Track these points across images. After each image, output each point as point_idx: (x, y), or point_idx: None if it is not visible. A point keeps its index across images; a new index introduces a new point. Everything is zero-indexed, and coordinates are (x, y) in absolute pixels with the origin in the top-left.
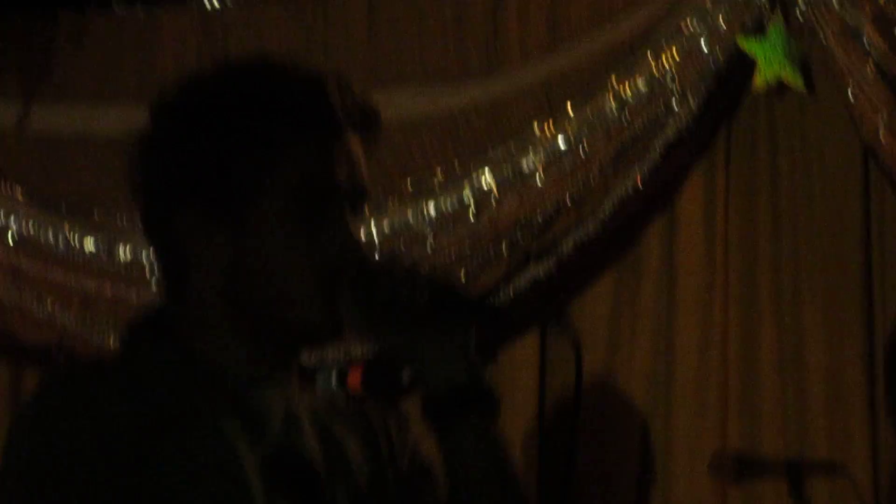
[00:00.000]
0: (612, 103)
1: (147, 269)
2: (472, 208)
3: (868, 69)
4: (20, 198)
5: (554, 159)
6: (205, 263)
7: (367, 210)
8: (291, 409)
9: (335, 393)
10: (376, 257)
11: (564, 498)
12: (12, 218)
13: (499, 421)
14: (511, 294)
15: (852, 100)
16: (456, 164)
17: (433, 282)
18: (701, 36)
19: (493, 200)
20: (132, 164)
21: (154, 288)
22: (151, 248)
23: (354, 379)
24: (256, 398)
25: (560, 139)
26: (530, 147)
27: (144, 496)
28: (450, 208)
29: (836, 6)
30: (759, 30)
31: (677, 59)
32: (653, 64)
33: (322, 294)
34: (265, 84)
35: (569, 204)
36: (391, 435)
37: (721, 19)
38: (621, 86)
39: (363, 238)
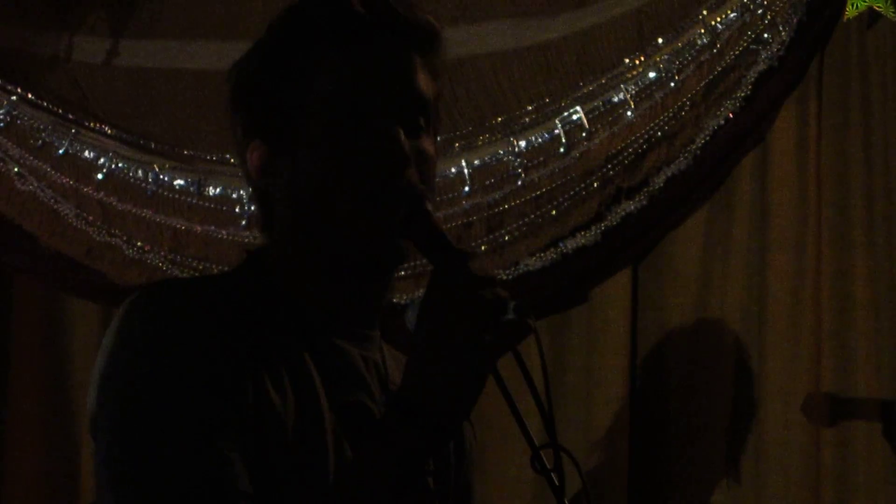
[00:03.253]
0: (703, 35)
1: (237, 206)
2: (563, 143)
3: None
4: (109, 135)
5: (645, 93)
6: (275, 194)
7: (456, 146)
8: (367, 368)
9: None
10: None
11: None
12: (101, 155)
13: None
14: (602, 230)
15: None
16: (546, 98)
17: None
18: None
19: (583, 135)
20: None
21: (244, 225)
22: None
23: None
24: (334, 347)
25: (651, 72)
26: (621, 81)
27: (227, 398)
28: (541, 143)
29: None
30: None
31: None
32: None
33: (367, 213)
34: (298, 6)
35: (660, 138)
36: None
37: None
38: (712, 17)
39: (452, 172)
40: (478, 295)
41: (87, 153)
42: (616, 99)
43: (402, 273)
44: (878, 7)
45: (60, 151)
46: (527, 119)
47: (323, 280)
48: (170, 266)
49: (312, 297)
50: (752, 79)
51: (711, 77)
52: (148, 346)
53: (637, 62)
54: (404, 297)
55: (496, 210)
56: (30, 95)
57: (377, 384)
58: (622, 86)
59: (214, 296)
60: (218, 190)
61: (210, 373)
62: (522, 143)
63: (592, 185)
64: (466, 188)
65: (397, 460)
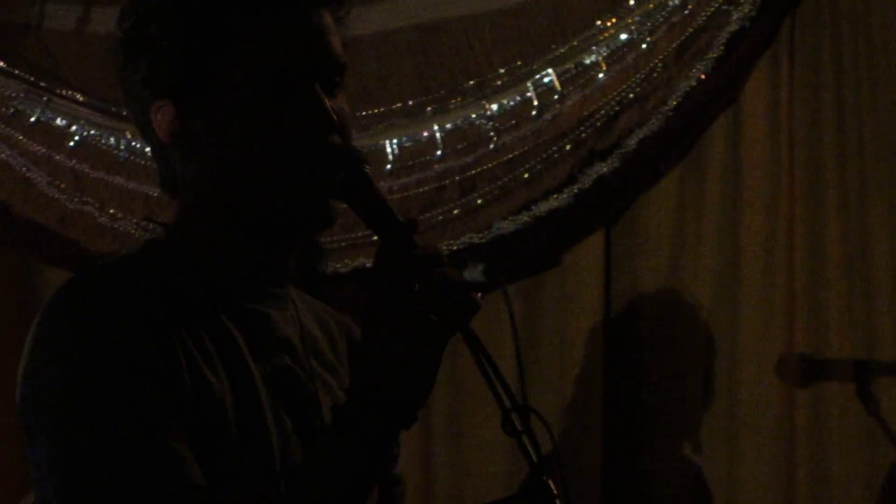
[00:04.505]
0: None
1: None
2: (535, 106)
3: None
4: (81, 102)
5: (617, 55)
6: (187, 156)
7: (428, 110)
8: (287, 327)
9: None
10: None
11: None
12: (73, 123)
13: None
14: (574, 192)
15: None
16: (518, 61)
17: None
18: None
19: (556, 98)
20: (116, 64)
21: None
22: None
23: None
24: (251, 312)
25: (622, 34)
26: (593, 43)
27: (165, 384)
28: (513, 106)
29: None
30: None
31: None
32: None
33: (299, 176)
34: None
35: (632, 99)
36: None
37: None
38: None
39: (425, 136)
40: (422, 275)
41: (59, 121)
42: (588, 61)
43: (343, 244)
44: None
45: (32, 119)
46: (499, 82)
47: (238, 244)
48: (142, 233)
49: (224, 264)
50: (724, 39)
51: (683, 38)
52: (78, 345)
53: (609, 24)
54: (348, 265)
55: (469, 173)
56: (1, 63)
57: (299, 340)
58: (594, 48)
59: (134, 283)
60: None
61: (145, 365)
62: (494, 107)
63: (565, 147)
64: (439, 152)
65: (360, 448)
